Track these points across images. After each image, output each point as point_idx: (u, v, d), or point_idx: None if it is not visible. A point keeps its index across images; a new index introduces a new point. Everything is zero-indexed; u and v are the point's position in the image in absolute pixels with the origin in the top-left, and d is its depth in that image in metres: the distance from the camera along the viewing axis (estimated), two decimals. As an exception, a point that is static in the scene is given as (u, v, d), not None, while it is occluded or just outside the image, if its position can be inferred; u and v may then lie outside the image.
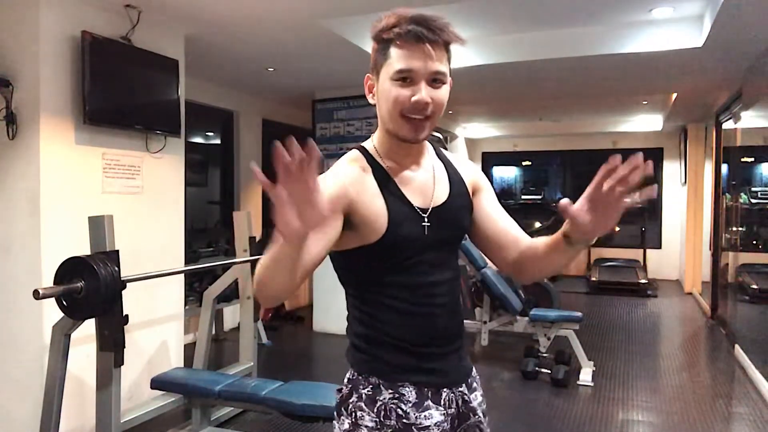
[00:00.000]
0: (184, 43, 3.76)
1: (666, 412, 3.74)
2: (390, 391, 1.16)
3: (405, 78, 1.11)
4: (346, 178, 1.16)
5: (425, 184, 1.22)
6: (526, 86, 5.73)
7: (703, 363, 5.06)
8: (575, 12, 3.94)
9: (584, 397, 3.96)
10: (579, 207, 1.02)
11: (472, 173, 1.32)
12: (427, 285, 1.19)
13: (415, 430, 1.15)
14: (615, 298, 7.69)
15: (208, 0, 3.24)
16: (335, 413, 1.23)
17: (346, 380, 1.22)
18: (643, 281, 8.09)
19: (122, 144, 3.33)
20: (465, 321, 1.40)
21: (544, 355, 4.47)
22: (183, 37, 3.75)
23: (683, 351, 5.37)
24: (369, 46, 1.16)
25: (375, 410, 1.16)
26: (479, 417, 1.26)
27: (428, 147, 1.28)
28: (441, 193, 1.23)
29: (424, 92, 1.11)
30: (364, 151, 1.23)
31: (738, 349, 4.88)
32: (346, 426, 1.18)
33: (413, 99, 1.11)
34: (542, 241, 1.19)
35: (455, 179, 1.27)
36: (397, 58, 1.11)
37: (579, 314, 4.42)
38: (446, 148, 1.67)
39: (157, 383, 3.08)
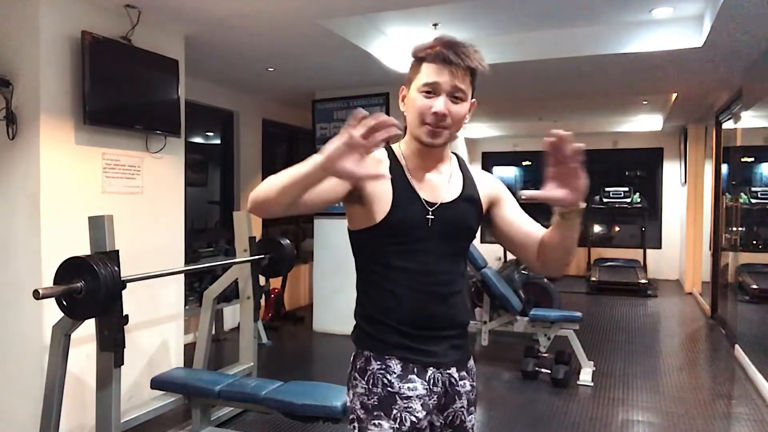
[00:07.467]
0: (184, 43, 3.77)
1: (666, 412, 3.74)
2: (378, 363, 1.34)
3: (429, 91, 1.30)
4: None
5: (437, 183, 1.38)
6: (527, 86, 5.73)
7: (703, 363, 5.06)
8: (575, 12, 3.95)
9: (584, 397, 3.96)
10: (548, 189, 1.18)
11: (491, 187, 1.46)
12: (427, 273, 1.34)
13: (398, 398, 1.32)
14: (615, 298, 7.69)
15: (208, 0, 3.24)
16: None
17: (351, 357, 1.41)
18: (643, 281, 8.08)
19: (122, 144, 3.33)
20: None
21: (544, 355, 4.47)
22: (183, 37, 3.75)
23: (683, 351, 5.37)
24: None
25: (365, 379, 1.34)
26: (463, 404, 1.40)
27: (452, 158, 1.45)
28: (451, 193, 1.38)
29: (443, 104, 1.29)
30: (389, 149, 1.42)
31: (738, 349, 4.88)
32: (348, 392, 1.39)
33: (434, 109, 1.29)
34: (549, 230, 1.34)
35: (469, 187, 1.42)
36: (425, 74, 1.31)
37: (579, 314, 4.42)
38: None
39: (157, 383, 3.09)
